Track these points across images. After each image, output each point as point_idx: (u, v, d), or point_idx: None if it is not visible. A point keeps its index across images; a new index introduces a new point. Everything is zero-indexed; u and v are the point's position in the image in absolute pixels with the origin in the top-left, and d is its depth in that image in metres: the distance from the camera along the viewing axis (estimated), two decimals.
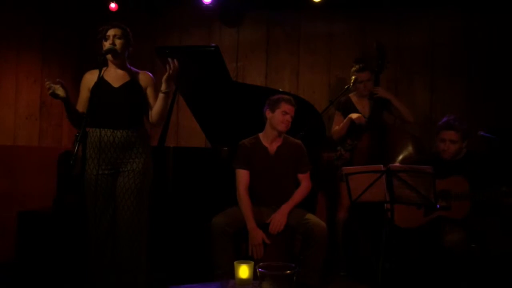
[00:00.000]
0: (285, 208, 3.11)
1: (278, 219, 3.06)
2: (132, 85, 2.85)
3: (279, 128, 3.19)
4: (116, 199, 2.80)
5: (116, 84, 2.83)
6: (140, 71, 2.95)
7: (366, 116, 3.90)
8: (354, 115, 3.76)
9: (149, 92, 2.90)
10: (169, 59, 2.76)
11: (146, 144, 2.89)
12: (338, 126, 3.93)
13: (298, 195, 3.21)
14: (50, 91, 2.55)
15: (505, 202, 2.89)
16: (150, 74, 2.96)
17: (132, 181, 2.79)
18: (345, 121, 3.82)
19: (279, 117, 3.17)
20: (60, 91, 2.58)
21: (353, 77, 3.90)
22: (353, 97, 3.99)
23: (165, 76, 2.79)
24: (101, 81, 2.62)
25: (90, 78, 2.81)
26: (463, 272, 2.84)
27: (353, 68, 3.92)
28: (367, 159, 3.63)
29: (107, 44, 2.79)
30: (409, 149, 3.71)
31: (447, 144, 3.06)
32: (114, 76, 2.85)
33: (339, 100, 4.01)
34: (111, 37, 2.79)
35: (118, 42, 2.79)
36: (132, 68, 2.93)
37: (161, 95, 2.84)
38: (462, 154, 3.12)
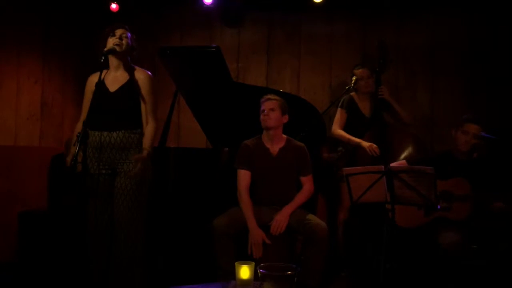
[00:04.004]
0: (287, 209, 3.11)
1: (280, 220, 3.05)
2: (129, 87, 2.86)
3: (263, 126, 3.22)
4: (113, 199, 2.81)
5: (112, 88, 2.85)
6: (139, 69, 2.95)
7: (368, 115, 3.92)
8: (365, 144, 3.72)
9: (144, 93, 2.89)
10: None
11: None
12: (339, 123, 3.96)
13: (301, 197, 3.20)
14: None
15: (493, 208, 2.90)
16: (149, 73, 2.97)
17: (128, 181, 2.79)
18: (354, 139, 3.81)
19: (261, 117, 3.22)
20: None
21: (354, 78, 3.93)
22: (355, 96, 4.02)
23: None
24: (101, 84, 2.66)
25: (93, 81, 2.80)
26: (458, 273, 2.84)
27: (354, 69, 4.00)
28: (369, 159, 3.64)
29: (111, 40, 2.83)
30: (410, 149, 3.72)
31: (470, 136, 3.11)
32: (113, 78, 2.87)
33: (342, 99, 4.02)
34: (118, 34, 2.84)
35: (124, 41, 2.85)
36: (132, 65, 2.95)
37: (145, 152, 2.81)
38: (476, 156, 3.15)
